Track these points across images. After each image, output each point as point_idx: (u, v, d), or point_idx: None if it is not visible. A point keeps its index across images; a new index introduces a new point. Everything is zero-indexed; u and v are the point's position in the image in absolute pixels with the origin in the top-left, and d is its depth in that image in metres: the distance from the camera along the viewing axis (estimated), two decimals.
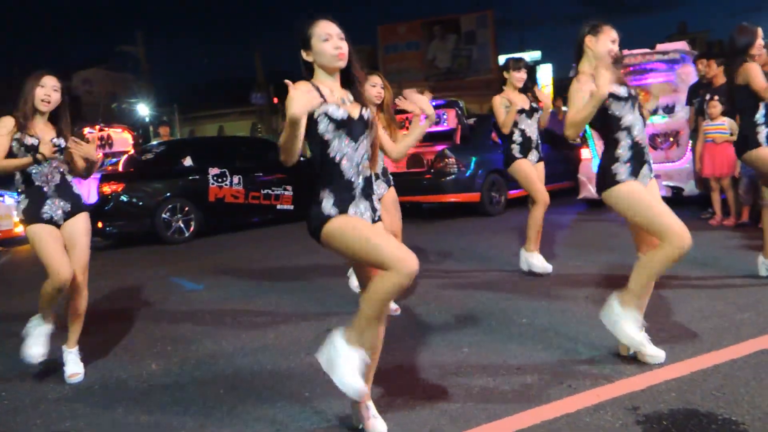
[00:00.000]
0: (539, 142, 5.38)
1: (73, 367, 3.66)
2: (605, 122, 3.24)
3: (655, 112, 8.63)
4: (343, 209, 2.48)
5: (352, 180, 2.49)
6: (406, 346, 3.66)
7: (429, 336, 3.83)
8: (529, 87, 5.29)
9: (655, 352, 3.11)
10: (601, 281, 4.86)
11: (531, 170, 5.25)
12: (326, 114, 2.44)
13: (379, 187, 4.47)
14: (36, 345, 3.61)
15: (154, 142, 12.23)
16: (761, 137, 4.32)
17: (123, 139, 9.94)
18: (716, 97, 6.86)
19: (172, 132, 15.85)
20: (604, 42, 3.26)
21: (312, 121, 2.45)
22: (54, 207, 3.60)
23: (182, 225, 9.19)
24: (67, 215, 3.65)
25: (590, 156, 8.97)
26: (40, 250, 3.51)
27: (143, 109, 32.37)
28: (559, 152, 9.89)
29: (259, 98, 36.31)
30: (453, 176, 9.07)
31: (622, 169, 3.21)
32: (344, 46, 2.49)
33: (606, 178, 3.24)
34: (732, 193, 7.00)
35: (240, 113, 40.00)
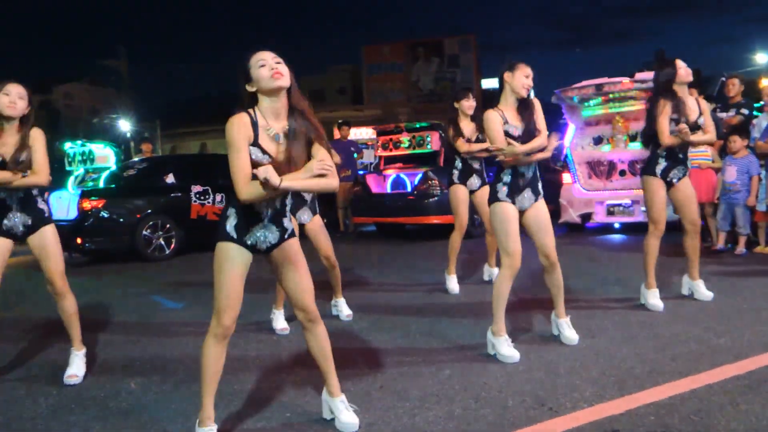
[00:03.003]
0: (483, 168, 5.71)
1: (74, 369, 3.78)
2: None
3: (634, 139, 8.80)
4: (241, 234, 2.64)
5: (260, 210, 2.66)
6: (388, 368, 3.67)
7: (410, 358, 3.84)
8: (478, 116, 5.43)
9: (509, 353, 3.68)
10: (580, 305, 4.90)
11: (462, 197, 5.68)
12: (250, 153, 2.56)
13: (304, 213, 4.71)
14: None
15: (136, 159, 12.15)
16: (658, 168, 4.66)
17: (104, 155, 9.88)
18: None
19: (153, 149, 15.75)
20: (519, 76, 3.77)
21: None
22: (15, 220, 3.63)
23: (163, 242, 9.13)
24: (29, 229, 3.65)
25: (572, 180, 9.10)
26: None
27: (125, 125, 32.20)
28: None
29: None
30: (436, 198, 9.14)
31: (502, 189, 3.83)
32: (281, 67, 2.57)
33: (491, 194, 3.90)
34: (712, 219, 7.13)
35: (223, 130, 39.76)
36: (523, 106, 3.84)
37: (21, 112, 3.58)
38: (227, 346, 2.76)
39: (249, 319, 4.81)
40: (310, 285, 2.79)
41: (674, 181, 4.64)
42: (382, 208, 9.88)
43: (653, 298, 4.68)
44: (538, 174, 3.94)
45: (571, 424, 2.76)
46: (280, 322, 4.71)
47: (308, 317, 2.78)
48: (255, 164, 2.53)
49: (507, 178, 3.84)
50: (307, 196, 4.70)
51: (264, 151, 2.56)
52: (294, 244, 2.78)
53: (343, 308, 4.99)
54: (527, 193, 3.85)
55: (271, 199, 2.64)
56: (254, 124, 2.58)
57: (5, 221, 3.63)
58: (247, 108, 2.63)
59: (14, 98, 3.53)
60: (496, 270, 5.92)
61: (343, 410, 2.85)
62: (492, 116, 3.81)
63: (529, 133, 3.80)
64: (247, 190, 2.52)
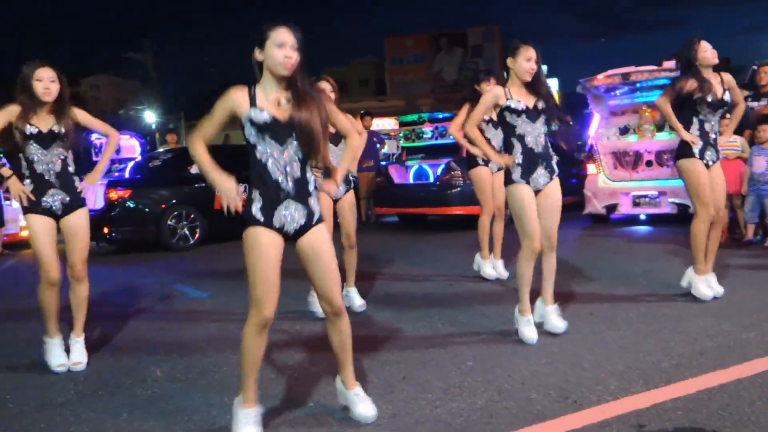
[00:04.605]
0: (501, 151, 5.54)
1: (77, 356, 3.85)
2: (504, 129, 3.92)
3: (661, 129, 8.65)
4: (268, 216, 2.60)
5: (280, 181, 2.61)
6: (411, 359, 3.66)
7: (433, 349, 3.83)
8: None
9: (528, 334, 3.81)
10: (606, 297, 4.85)
11: (487, 179, 5.66)
12: (249, 119, 2.58)
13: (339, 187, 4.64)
14: (53, 357, 3.82)
15: (161, 149, 12.28)
16: (695, 148, 4.54)
17: (130, 145, 10.01)
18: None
19: (178, 140, 15.91)
20: (521, 61, 3.76)
21: (241, 126, 2.61)
22: (54, 198, 3.73)
23: (187, 232, 9.22)
24: (66, 207, 3.77)
25: (596, 171, 8.99)
26: (34, 244, 3.71)
27: (150, 116, 32.55)
28: (565, 167, 9.91)
29: None
30: (458, 189, 9.09)
31: (516, 170, 3.83)
32: (294, 57, 2.58)
33: (506, 176, 3.91)
34: (741, 211, 7.00)
35: None
36: (531, 84, 3.81)
37: (55, 96, 3.69)
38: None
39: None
40: (337, 277, 2.75)
41: (710, 163, 4.54)
42: (405, 198, 9.86)
43: (703, 286, 4.55)
44: (550, 150, 3.92)
45: (596, 417, 2.73)
46: (318, 305, 4.72)
47: (333, 310, 2.74)
48: (258, 125, 2.57)
49: (519, 158, 3.83)
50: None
51: (262, 109, 2.58)
52: (323, 231, 2.73)
53: (355, 298, 4.91)
54: (541, 170, 3.84)
55: (289, 168, 2.61)
56: (251, 95, 2.61)
57: (46, 198, 3.71)
58: (255, 81, 2.66)
59: (47, 84, 3.65)
60: (487, 264, 5.82)
61: (358, 402, 2.83)
62: (487, 95, 3.91)
63: (537, 110, 3.81)
64: (192, 142, 2.62)
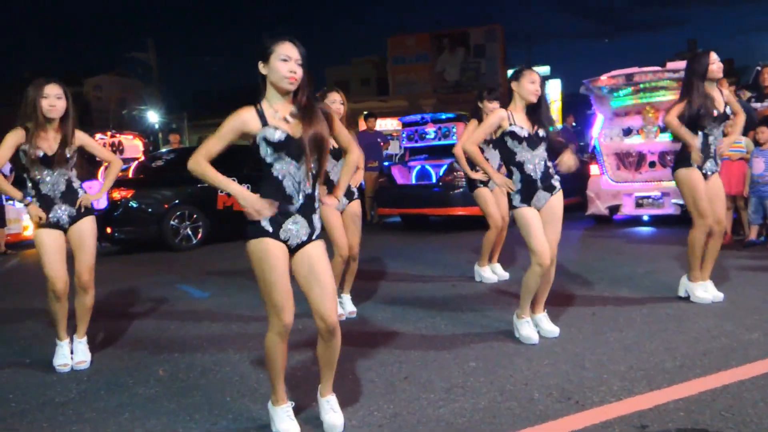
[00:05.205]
0: (500, 169, 5.63)
1: (81, 355, 3.91)
2: (503, 154, 3.96)
3: (665, 129, 8.63)
4: (276, 229, 2.61)
5: (293, 196, 2.62)
6: (413, 359, 3.66)
7: (435, 349, 3.83)
8: None
9: (529, 334, 3.85)
10: (608, 297, 4.84)
11: (489, 197, 5.76)
12: (264, 138, 2.56)
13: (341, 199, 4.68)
14: (58, 357, 3.90)
15: (164, 150, 12.30)
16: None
17: (134, 145, 10.03)
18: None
19: (181, 140, 15.94)
20: (525, 83, 3.82)
21: (254, 146, 2.59)
22: (60, 212, 3.78)
23: (190, 232, 9.22)
24: (73, 219, 3.82)
25: (599, 172, 8.98)
26: (42, 257, 3.76)
27: (153, 116, 32.59)
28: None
29: None
30: (461, 189, 9.07)
31: (516, 197, 3.90)
32: (299, 72, 2.58)
33: (508, 201, 3.97)
34: (745, 212, 6.97)
35: None
36: (533, 111, 3.86)
37: (61, 113, 3.69)
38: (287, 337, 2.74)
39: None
40: (333, 294, 2.69)
41: (708, 173, 4.53)
42: (407, 199, 9.85)
43: (700, 291, 4.56)
44: (550, 170, 3.93)
45: (599, 418, 2.72)
46: (348, 305, 4.77)
47: (327, 327, 2.66)
48: (274, 144, 2.55)
49: (518, 185, 3.88)
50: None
51: (276, 128, 2.57)
52: (320, 247, 2.70)
53: (348, 304, 4.83)
54: (540, 194, 3.88)
55: (303, 185, 2.61)
56: (260, 114, 2.59)
57: (52, 213, 3.76)
58: (259, 97, 2.65)
59: (53, 101, 3.64)
60: (485, 269, 5.85)
61: (328, 411, 2.79)
62: (492, 117, 3.90)
63: (538, 137, 3.84)
64: (197, 162, 2.59)
